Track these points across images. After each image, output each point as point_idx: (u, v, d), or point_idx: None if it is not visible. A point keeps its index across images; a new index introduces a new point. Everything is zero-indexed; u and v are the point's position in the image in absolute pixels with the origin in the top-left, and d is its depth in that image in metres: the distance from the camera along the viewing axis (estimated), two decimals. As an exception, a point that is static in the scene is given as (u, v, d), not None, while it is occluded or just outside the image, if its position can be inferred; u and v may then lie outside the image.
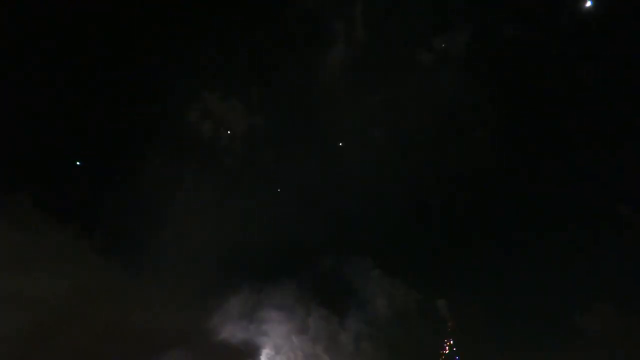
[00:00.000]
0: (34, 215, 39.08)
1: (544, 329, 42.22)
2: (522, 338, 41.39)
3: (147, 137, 41.73)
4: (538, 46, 41.12)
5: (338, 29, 43.51)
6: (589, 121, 41.21)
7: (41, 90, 39.88)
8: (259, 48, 43.47)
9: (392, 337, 42.10)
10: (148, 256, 40.37)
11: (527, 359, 41.01)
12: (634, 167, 39.99)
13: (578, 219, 42.01)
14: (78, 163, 39.34)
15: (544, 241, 41.62)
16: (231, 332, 41.12)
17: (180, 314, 40.51)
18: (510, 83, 42.47)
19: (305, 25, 43.99)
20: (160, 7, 40.86)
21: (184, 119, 42.41)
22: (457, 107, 42.66)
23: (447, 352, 42.62)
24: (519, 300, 42.05)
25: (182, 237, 40.78)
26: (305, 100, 42.52)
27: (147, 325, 38.86)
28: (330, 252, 42.62)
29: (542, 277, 42.08)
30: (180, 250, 40.64)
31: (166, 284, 40.23)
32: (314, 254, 42.63)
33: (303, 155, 42.48)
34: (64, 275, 38.71)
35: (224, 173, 43.10)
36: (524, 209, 43.38)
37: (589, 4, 37.88)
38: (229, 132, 42.25)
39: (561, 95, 41.93)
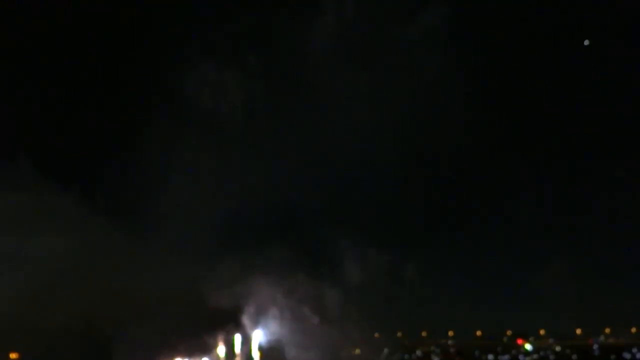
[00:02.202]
0: (35, 178, 39.61)
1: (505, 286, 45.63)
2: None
3: (146, 103, 42.40)
4: (525, 23, 42.35)
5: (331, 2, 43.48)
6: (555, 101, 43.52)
7: (41, 56, 40.22)
8: (254, 18, 43.61)
9: (374, 301, 43.59)
10: (147, 221, 41.45)
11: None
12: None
13: (538, 191, 45.02)
14: None
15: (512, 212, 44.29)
16: (224, 293, 42.39)
17: (178, 275, 41.78)
18: (497, 61, 43.87)
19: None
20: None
21: (182, 86, 43.31)
22: (441, 84, 43.40)
23: None
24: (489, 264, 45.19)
25: (180, 201, 41.80)
26: (298, 72, 42.97)
27: (145, 285, 40.02)
28: (320, 220, 43.87)
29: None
30: (179, 214, 41.84)
31: (165, 246, 41.44)
32: (305, 221, 43.95)
33: (295, 126, 43.08)
34: (65, 237, 39.53)
35: (221, 140, 43.73)
36: (496, 182, 45.65)
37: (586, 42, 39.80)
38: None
39: (542, 72, 43.76)
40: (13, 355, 42.73)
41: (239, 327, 43.73)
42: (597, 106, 45.60)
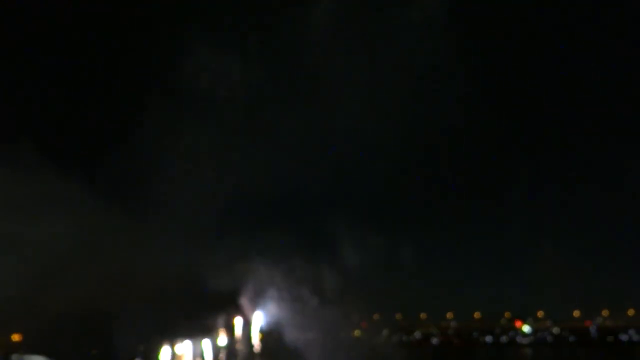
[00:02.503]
0: (35, 162, 39.52)
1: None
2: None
3: (147, 87, 42.18)
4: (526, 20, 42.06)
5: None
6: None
7: (42, 39, 40.00)
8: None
9: (373, 283, 44.03)
10: (147, 204, 41.31)
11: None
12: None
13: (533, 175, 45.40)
14: None
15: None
16: (224, 276, 42.64)
17: (178, 258, 41.86)
18: (496, 50, 43.58)
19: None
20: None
21: (183, 70, 42.66)
22: (441, 71, 43.17)
23: None
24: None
25: (180, 185, 41.65)
26: (297, 57, 42.73)
27: (146, 268, 40.26)
28: (320, 203, 44.07)
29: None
30: (178, 197, 41.58)
31: (165, 230, 41.30)
32: (305, 203, 44.15)
33: (295, 111, 42.94)
34: (66, 221, 39.56)
35: (221, 126, 43.53)
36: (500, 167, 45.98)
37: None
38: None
39: (542, 69, 43.57)
40: (15, 337, 43.44)
41: (239, 309, 44.23)
42: (597, 106, 45.85)
